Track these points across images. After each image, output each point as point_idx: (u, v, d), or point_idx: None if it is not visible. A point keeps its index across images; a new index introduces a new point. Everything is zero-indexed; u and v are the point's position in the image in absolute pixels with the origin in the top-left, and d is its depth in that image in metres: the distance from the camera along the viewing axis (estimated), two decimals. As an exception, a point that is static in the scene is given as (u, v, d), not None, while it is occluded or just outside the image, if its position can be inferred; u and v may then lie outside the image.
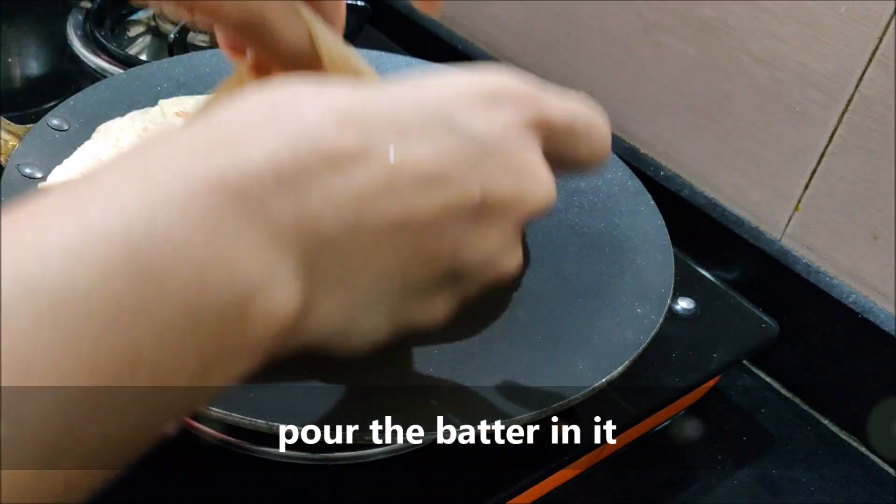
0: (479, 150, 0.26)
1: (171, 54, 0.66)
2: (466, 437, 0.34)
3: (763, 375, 0.58)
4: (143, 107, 0.51)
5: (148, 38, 0.74)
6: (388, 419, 0.36)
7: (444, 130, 0.26)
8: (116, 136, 0.48)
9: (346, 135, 0.24)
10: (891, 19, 0.49)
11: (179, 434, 0.41)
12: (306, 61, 0.32)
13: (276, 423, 0.33)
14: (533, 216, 0.29)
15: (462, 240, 0.27)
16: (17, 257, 0.19)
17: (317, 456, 0.41)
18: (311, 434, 0.33)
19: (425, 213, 0.25)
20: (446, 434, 0.34)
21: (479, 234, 0.27)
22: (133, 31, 0.74)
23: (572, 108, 0.31)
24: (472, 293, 0.29)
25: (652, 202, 0.50)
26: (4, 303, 0.18)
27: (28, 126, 0.51)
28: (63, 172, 0.45)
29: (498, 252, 0.28)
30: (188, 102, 0.53)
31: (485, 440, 0.36)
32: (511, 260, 0.29)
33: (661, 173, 0.63)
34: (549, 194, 0.29)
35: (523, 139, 0.28)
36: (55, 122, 0.48)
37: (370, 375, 0.39)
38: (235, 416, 0.33)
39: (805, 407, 0.56)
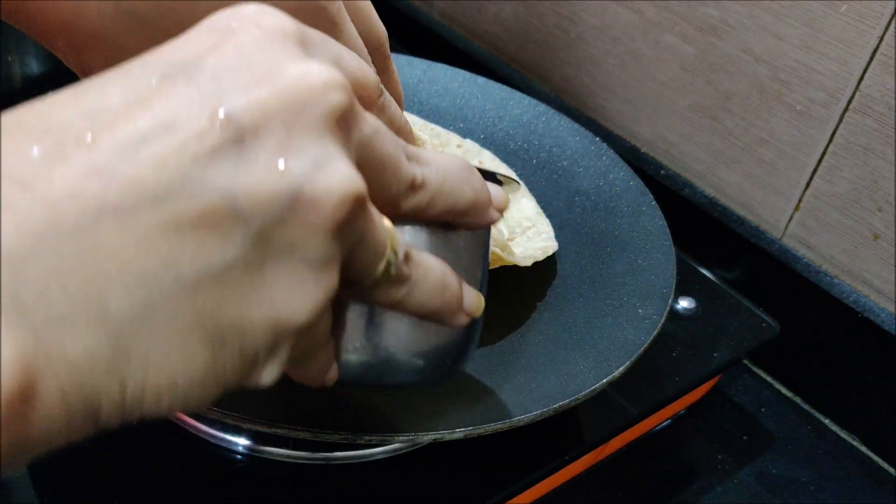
0: None
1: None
2: (467, 437, 0.34)
3: (763, 375, 0.58)
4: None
5: (148, 36, 0.74)
6: (388, 419, 0.36)
7: None
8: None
9: None
10: (891, 19, 0.48)
11: (180, 434, 0.41)
12: None
13: (276, 423, 0.33)
14: None
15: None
16: None
17: (317, 456, 0.41)
18: (310, 434, 0.33)
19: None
20: (447, 434, 0.34)
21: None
22: (133, 30, 0.74)
23: None
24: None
25: (654, 202, 0.50)
26: None
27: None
28: None
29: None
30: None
31: (485, 440, 0.36)
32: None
33: (662, 172, 0.63)
34: None
35: None
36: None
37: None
38: (236, 416, 0.33)
39: (805, 406, 0.56)
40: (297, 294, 0.21)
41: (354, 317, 0.29)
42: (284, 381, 0.38)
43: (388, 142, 0.25)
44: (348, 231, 0.22)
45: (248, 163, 0.20)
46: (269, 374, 0.23)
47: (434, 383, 0.33)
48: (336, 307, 0.27)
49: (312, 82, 0.21)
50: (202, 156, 0.19)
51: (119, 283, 0.19)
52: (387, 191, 0.25)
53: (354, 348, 0.29)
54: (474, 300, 0.29)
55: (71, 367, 0.18)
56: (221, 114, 0.20)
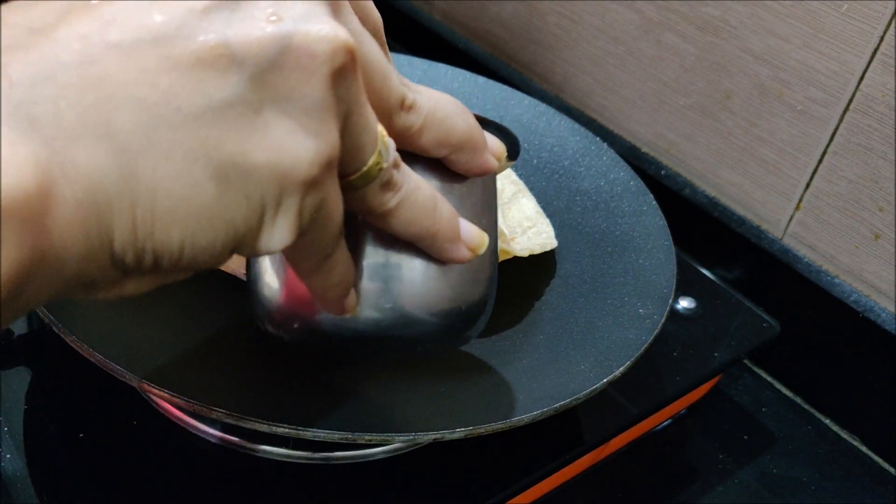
0: None
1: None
2: (467, 437, 0.34)
3: (764, 375, 0.58)
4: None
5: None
6: (388, 419, 0.36)
7: None
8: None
9: None
10: (892, 18, 0.48)
11: (179, 434, 0.41)
12: None
13: (276, 423, 0.33)
14: None
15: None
16: None
17: (317, 456, 0.41)
18: (310, 434, 0.33)
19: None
20: (447, 434, 0.34)
21: None
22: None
23: None
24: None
25: (654, 202, 0.50)
26: None
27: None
28: None
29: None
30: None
31: (485, 440, 0.36)
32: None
33: (662, 172, 0.63)
34: None
35: None
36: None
37: (370, 375, 0.39)
38: (236, 416, 0.33)
39: (806, 406, 0.56)
40: (296, 140, 0.22)
41: (370, 259, 0.29)
42: (286, 380, 0.38)
43: (378, 51, 0.26)
44: (342, 87, 0.23)
45: (242, 17, 0.22)
46: (279, 234, 0.23)
47: (448, 341, 0.32)
48: (351, 238, 0.28)
49: None
50: (197, 10, 0.21)
51: (124, 107, 0.20)
52: (376, 98, 0.26)
53: (370, 291, 0.29)
54: (475, 233, 0.29)
55: (83, 177, 0.20)
56: None
